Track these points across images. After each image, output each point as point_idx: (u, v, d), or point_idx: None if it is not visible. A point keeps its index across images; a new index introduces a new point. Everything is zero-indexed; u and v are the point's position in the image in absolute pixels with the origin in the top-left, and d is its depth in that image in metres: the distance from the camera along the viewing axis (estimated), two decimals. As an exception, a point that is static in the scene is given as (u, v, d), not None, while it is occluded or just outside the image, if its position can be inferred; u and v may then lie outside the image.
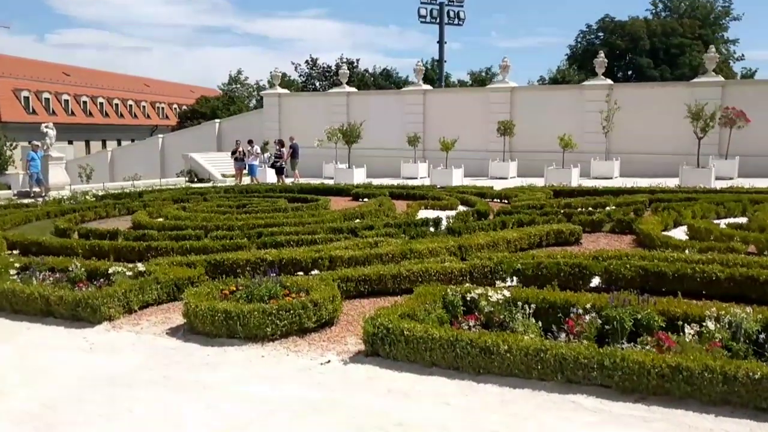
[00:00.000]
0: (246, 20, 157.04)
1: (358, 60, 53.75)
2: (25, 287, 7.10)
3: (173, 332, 6.55)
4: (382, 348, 5.46)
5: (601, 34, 57.39)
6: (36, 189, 21.90)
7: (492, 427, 4.41)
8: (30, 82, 60.36)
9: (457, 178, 24.27)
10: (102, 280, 7.65)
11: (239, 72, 63.47)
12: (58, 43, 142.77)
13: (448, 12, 39.90)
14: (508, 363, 5.04)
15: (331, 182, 24.29)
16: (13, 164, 47.84)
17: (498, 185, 21.13)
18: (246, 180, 26.12)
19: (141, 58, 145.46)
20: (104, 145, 64.48)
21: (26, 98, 58.56)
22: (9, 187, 33.57)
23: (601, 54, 28.79)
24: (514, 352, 5.01)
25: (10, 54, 65.69)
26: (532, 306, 5.76)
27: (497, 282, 7.52)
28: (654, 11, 60.23)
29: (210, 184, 24.95)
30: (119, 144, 65.48)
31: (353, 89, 35.53)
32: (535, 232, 10.48)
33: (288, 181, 24.82)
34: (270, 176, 26.47)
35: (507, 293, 5.91)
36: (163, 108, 79.42)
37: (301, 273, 8.70)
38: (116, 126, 68.89)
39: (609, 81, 28.98)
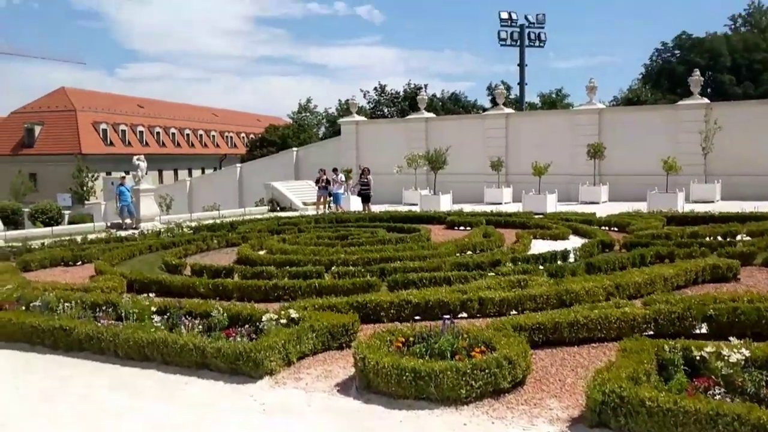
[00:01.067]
0: (303, 50, 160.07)
1: (426, 85, 53.35)
2: (177, 337, 6.62)
3: (344, 389, 5.93)
4: (614, 419, 4.68)
5: (677, 51, 55.47)
6: (128, 221, 22.02)
7: None
8: (108, 115, 62.34)
9: (551, 203, 23.28)
10: (247, 326, 7.14)
11: (308, 100, 64.08)
12: (126, 77, 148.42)
13: (528, 34, 39.15)
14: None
15: (414, 209, 23.75)
16: (95, 195, 49.23)
17: (593, 210, 20.12)
18: (330, 208, 25.82)
19: (202, 88, 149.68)
20: (176, 175, 65.93)
21: (104, 130, 60.45)
22: (92, 218, 34.37)
23: (696, 72, 27.43)
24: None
25: (88, 89, 68.19)
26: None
27: (691, 330, 6.66)
28: (734, 26, 57.95)
29: (297, 214, 24.66)
30: (190, 173, 66.86)
31: (431, 114, 35.03)
32: (691, 268, 9.51)
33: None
34: (354, 204, 26.07)
35: (746, 352, 5.04)
36: (231, 137, 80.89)
37: (448, 317, 8.06)
38: (187, 155, 70.39)
39: (706, 100, 27.60)
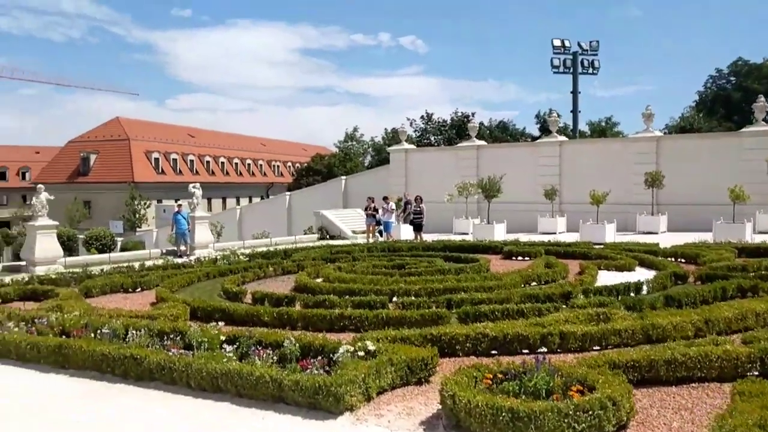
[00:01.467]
0: (347, 80, 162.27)
1: (473, 113, 53.19)
2: (252, 368, 6.38)
3: (429, 428, 5.58)
4: (745, 471, 4.24)
5: (733, 78, 54.14)
6: (182, 247, 22.14)
7: None
8: (160, 144, 63.79)
9: (610, 233, 22.60)
10: (320, 358, 6.86)
11: (355, 129, 64.59)
12: (176, 108, 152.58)
13: (582, 61, 38.72)
14: None
15: (466, 238, 23.35)
16: (146, 222, 50.14)
17: (654, 240, 19.42)
18: (377, 236, 25.62)
19: (248, 118, 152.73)
20: (224, 203, 66.86)
21: (156, 159, 61.79)
22: (144, 245, 34.83)
23: (761, 98, 26.51)
24: None
25: (141, 118, 70.05)
26: None
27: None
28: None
29: (348, 242, 24.50)
30: (238, 201, 67.75)
31: (482, 142, 34.73)
32: (784, 303, 8.92)
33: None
34: (404, 233, 25.79)
35: None
36: (278, 166, 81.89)
37: (526, 351, 7.68)
38: (235, 184, 71.42)
39: (771, 126, 26.65)
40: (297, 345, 7.18)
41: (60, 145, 68.31)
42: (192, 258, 19.39)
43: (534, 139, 55.27)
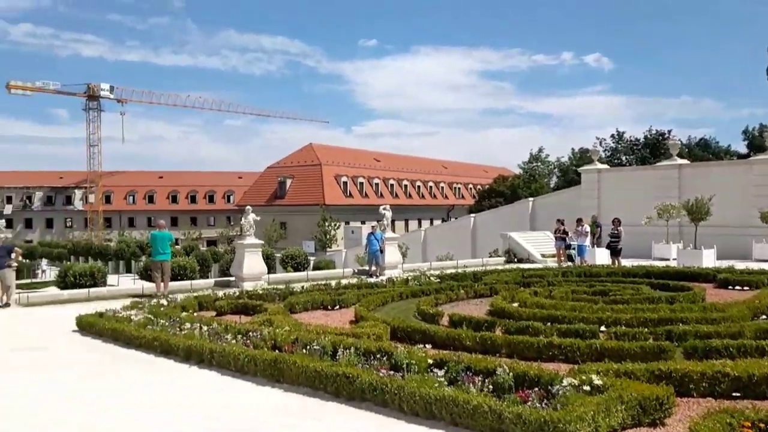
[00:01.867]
0: (527, 101, 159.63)
1: (669, 131, 49.52)
2: (468, 396, 6.07)
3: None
4: None
5: None
6: (373, 268, 22.63)
7: None
8: (348, 168, 66.83)
9: None
10: (537, 389, 6.38)
11: (540, 150, 63.00)
12: (361, 134, 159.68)
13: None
14: None
15: (670, 264, 21.48)
16: (336, 243, 52.52)
17: None
18: (564, 260, 24.44)
19: (429, 142, 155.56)
20: (406, 225, 68.25)
21: (345, 183, 64.75)
22: (334, 264, 36.29)
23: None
24: None
25: (331, 144, 73.96)
26: None
27: None
28: None
29: (540, 266, 23.60)
30: (419, 223, 68.86)
31: (685, 161, 32.08)
32: None
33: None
34: (598, 257, 24.36)
35: None
36: (459, 188, 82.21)
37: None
38: (417, 206, 72.74)
39: None
40: (510, 374, 6.76)
41: (259, 171, 74.13)
42: (383, 278, 19.70)
43: (741, 157, 50.23)
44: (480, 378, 6.91)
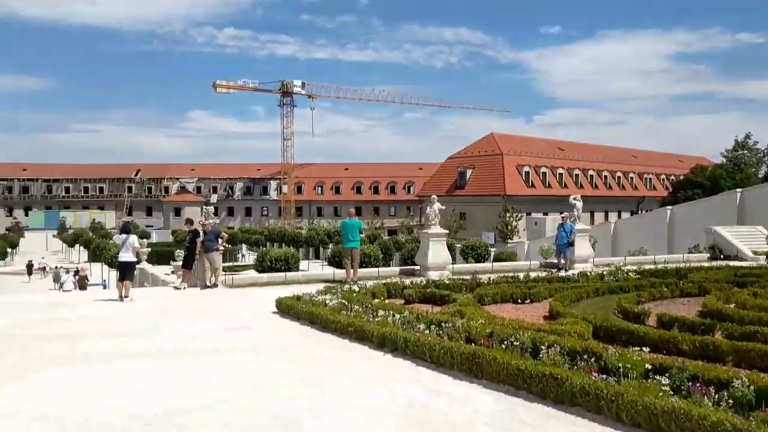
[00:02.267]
0: (730, 84, 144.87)
1: None
2: (704, 410, 5.26)
3: None
4: None
5: None
6: (562, 261, 21.53)
7: None
8: (530, 158, 65.01)
9: None
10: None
11: (747, 136, 56.61)
12: (542, 123, 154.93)
13: None
14: None
15: None
16: (518, 234, 51.31)
17: None
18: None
19: (617, 130, 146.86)
20: (592, 217, 64.94)
21: (527, 173, 63.08)
22: (516, 256, 35.31)
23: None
24: None
25: (511, 133, 72.40)
26: None
27: None
28: None
29: (752, 264, 21.11)
30: (606, 216, 65.29)
31: None
32: None
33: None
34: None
35: None
36: (650, 179, 76.85)
37: None
38: (604, 197, 68.98)
39: None
40: (751, 387, 5.80)
41: (439, 162, 74.51)
42: (573, 272, 18.63)
43: None
44: (711, 389, 6.02)
